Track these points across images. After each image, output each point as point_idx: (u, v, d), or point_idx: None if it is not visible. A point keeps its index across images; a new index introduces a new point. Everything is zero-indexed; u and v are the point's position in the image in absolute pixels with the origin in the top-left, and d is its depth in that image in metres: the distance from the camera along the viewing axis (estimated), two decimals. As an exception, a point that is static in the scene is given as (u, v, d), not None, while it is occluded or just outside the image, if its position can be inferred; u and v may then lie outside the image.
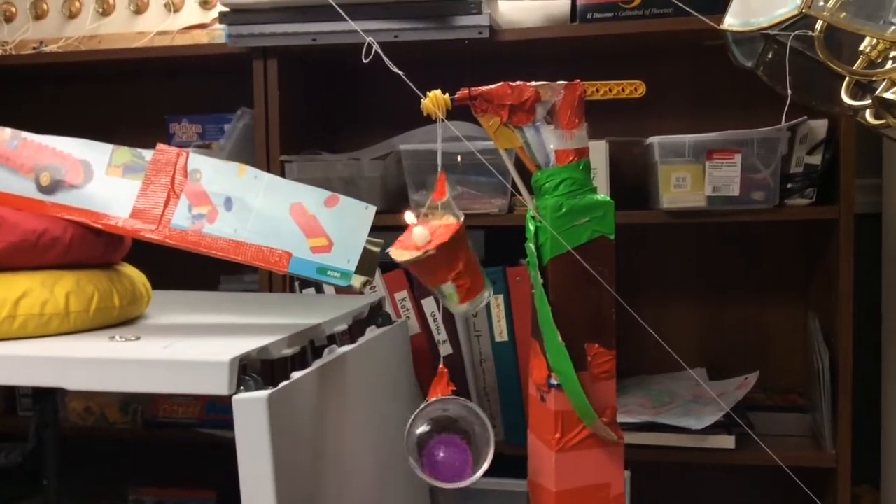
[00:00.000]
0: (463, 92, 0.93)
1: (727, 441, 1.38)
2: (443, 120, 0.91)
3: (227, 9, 1.45)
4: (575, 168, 0.95)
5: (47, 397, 1.11)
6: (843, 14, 0.74)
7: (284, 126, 1.50)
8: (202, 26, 1.64)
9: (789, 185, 1.38)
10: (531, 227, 0.95)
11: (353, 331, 1.23)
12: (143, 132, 1.75)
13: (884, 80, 0.86)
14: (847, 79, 0.91)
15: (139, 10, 1.69)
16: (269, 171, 1.47)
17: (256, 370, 0.86)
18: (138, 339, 0.93)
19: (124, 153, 1.01)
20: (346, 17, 1.02)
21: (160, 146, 1.00)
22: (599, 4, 1.39)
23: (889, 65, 0.87)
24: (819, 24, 0.85)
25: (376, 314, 1.25)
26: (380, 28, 1.37)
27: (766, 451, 0.98)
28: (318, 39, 1.42)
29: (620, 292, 0.95)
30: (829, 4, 0.75)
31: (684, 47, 1.55)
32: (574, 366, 0.92)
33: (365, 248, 0.97)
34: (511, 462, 1.20)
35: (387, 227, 1.39)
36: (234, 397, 0.79)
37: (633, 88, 0.98)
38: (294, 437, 0.86)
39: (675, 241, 1.66)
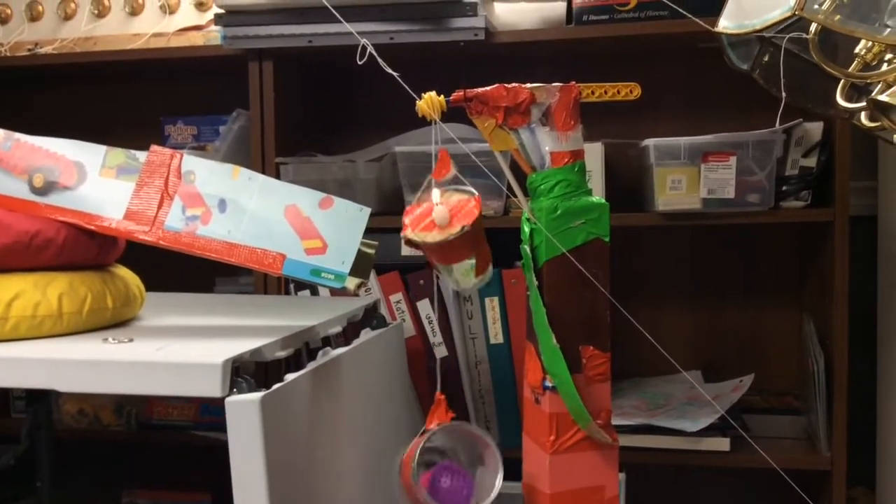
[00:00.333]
0: (458, 94, 0.93)
1: (722, 443, 1.38)
2: (437, 122, 0.91)
3: (222, 10, 1.45)
4: (570, 170, 0.94)
5: (40, 399, 1.10)
6: (837, 16, 0.74)
7: (280, 128, 1.49)
8: (198, 28, 1.64)
9: (784, 188, 1.38)
10: (526, 229, 0.95)
11: (348, 333, 1.23)
12: (138, 134, 1.75)
13: (879, 82, 0.86)
14: (842, 81, 0.91)
15: (134, 12, 1.69)
16: (264, 172, 1.47)
17: (250, 372, 0.86)
18: (131, 340, 0.92)
19: (118, 155, 1.00)
20: (342, 19, 1.02)
21: (154, 147, 1.00)
22: (595, 7, 1.39)
23: (884, 67, 0.87)
24: (813, 27, 0.85)
25: (371, 316, 1.25)
26: (375, 30, 1.37)
27: (761, 453, 0.98)
28: (313, 41, 1.42)
29: (616, 294, 0.95)
30: (824, 7, 0.75)
31: (680, 49, 1.55)
32: (569, 368, 0.92)
33: (359, 250, 0.97)
34: (506, 464, 1.19)
35: (382, 229, 1.40)
36: (227, 399, 0.79)
37: (629, 91, 0.98)
38: (287, 439, 0.85)
39: (670, 243, 1.66)
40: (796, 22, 0.87)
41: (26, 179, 0.99)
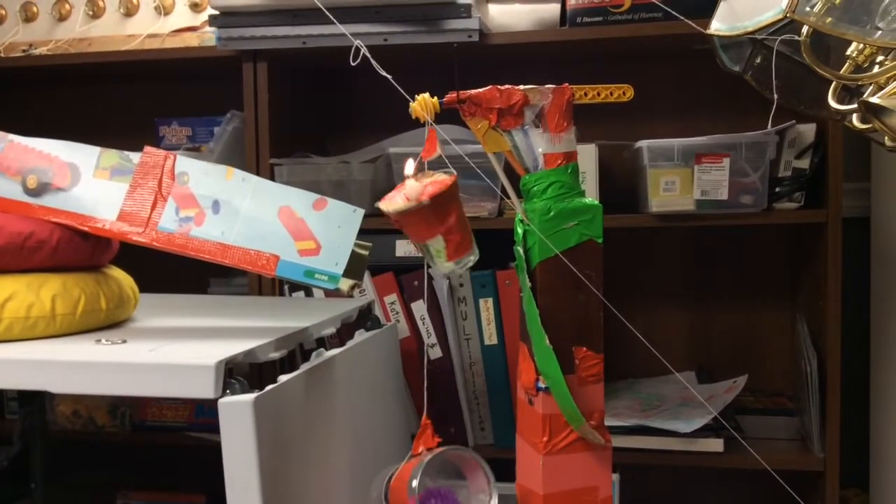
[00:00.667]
0: (451, 95, 0.93)
1: (716, 444, 1.39)
2: (431, 123, 0.91)
3: (217, 12, 1.45)
4: (563, 171, 0.95)
5: (33, 401, 1.10)
6: (829, 19, 0.74)
7: (274, 129, 1.49)
8: (192, 29, 1.64)
9: (778, 189, 1.39)
10: (519, 230, 0.95)
11: (342, 334, 1.23)
12: (132, 135, 1.75)
13: (870, 84, 0.86)
14: (834, 83, 0.91)
15: (129, 13, 1.68)
16: (258, 173, 1.47)
17: (244, 373, 0.86)
18: (125, 342, 0.92)
19: (111, 156, 1.00)
20: (335, 21, 1.02)
21: (147, 149, 1.00)
22: (589, 9, 1.40)
23: (875, 69, 0.87)
24: (805, 29, 0.86)
25: (365, 317, 1.25)
26: (369, 31, 1.37)
27: (754, 455, 0.98)
28: (307, 43, 1.42)
29: (610, 296, 0.95)
30: (815, 9, 0.75)
31: (673, 51, 1.55)
32: (562, 369, 0.92)
33: (353, 252, 0.97)
34: (500, 465, 1.20)
35: (376, 231, 1.40)
36: (220, 401, 0.79)
37: (622, 92, 0.98)
38: (280, 440, 0.85)
39: (663, 244, 1.67)
40: (788, 24, 0.87)
41: (20, 181, 0.99)
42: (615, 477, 1.33)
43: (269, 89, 1.48)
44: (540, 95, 0.94)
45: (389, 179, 1.46)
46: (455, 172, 0.89)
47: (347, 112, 1.75)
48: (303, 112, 1.66)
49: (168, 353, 0.85)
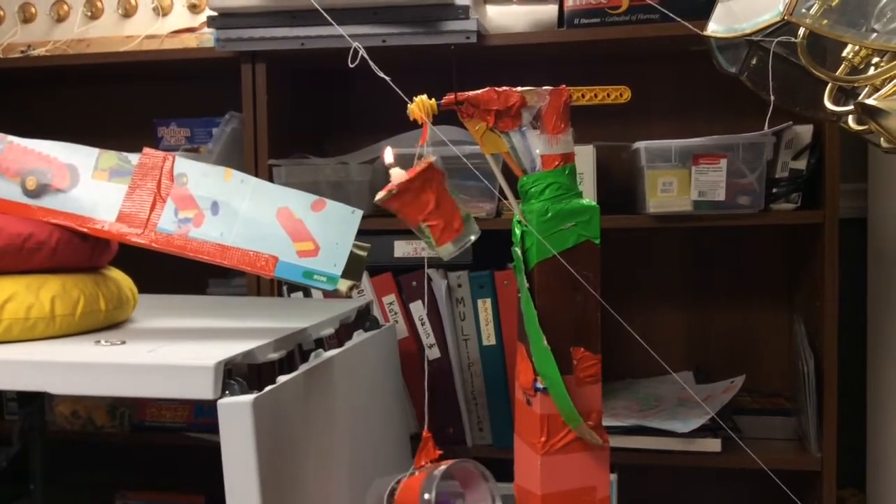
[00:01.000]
0: (449, 97, 0.93)
1: (713, 444, 1.39)
2: (429, 125, 0.91)
3: (215, 13, 1.46)
4: (561, 173, 0.95)
5: (32, 401, 1.10)
6: (825, 21, 0.75)
7: (272, 130, 1.50)
8: (191, 30, 1.64)
9: (775, 190, 1.39)
10: (517, 231, 0.96)
11: (341, 335, 1.24)
12: (131, 136, 1.75)
13: (866, 85, 0.87)
14: (830, 84, 0.91)
15: (127, 14, 1.69)
16: (257, 174, 1.47)
17: (243, 374, 0.86)
18: (124, 343, 0.93)
19: (110, 157, 1.01)
20: (333, 23, 1.03)
21: (146, 150, 1.01)
22: (586, 10, 1.40)
23: (871, 70, 0.88)
24: (802, 31, 0.86)
25: (364, 318, 1.26)
26: (367, 33, 1.38)
27: (752, 455, 0.98)
28: (306, 44, 1.42)
29: (607, 296, 0.96)
30: (812, 11, 0.75)
31: (670, 52, 1.55)
32: (560, 369, 0.92)
33: (352, 253, 0.97)
34: (498, 465, 1.20)
35: (375, 231, 1.40)
36: (219, 401, 0.79)
37: (619, 94, 0.98)
38: (279, 440, 0.86)
39: (661, 245, 1.67)
40: (785, 25, 0.88)
41: (19, 182, 1.00)
42: (613, 477, 1.34)
43: (267, 90, 1.48)
44: (537, 97, 0.94)
45: (387, 180, 1.46)
46: (432, 158, 0.90)
47: (346, 113, 1.75)
48: (301, 113, 1.67)
49: (167, 354, 0.85)
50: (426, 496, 0.92)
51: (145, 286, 1.17)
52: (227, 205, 0.97)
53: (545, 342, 0.92)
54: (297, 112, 1.64)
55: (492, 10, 1.49)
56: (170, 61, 1.58)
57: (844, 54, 0.89)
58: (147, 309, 1.16)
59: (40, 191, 0.99)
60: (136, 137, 1.66)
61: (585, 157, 1.41)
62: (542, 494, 0.94)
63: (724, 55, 1.02)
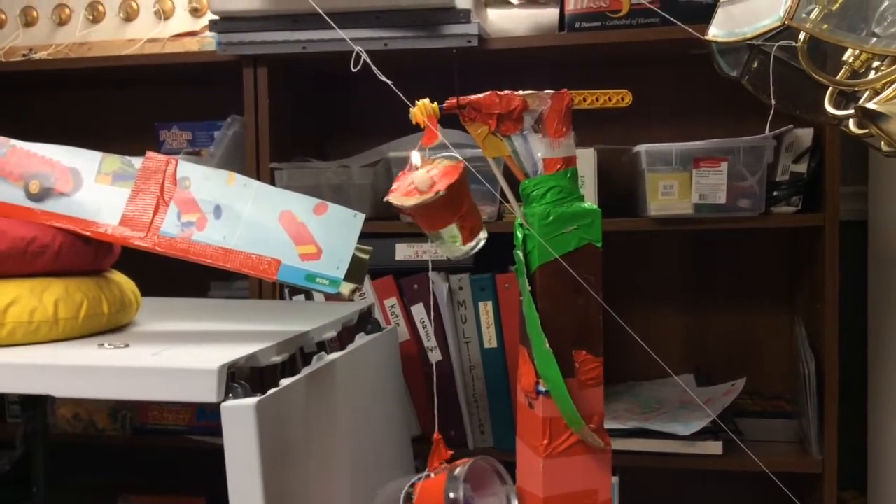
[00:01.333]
0: (451, 101, 0.93)
1: (715, 447, 1.39)
2: (429, 127, 0.91)
3: (217, 17, 1.46)
4: (562, 176, 0.95)
5: (36, 405, 1.11)
6: (825, 26, 0.75)
7: (274, 133, 1.50)
8: (192, 34, 1.64)
9: (775, 193, 1.40)
10: (519, 234, 0.96)
11: (343, 338, 1.24)
12: (133, 139, 1.76)
13: (867, 89, 0.87)
14: (830, 88, 0.92)
15: (129, 18, 1.69)
16: (258, 178, 1.47)
17: (245, 377, 0.87)
18: (127, 346, 0.93)
19: (113, 161, 1.01)
20: (335, 26, 1.03)
21: (149, 154, 1.01)
22: (587, 14, 1.40)
23: (872, 74, 0.88)
24: (802, 35, 0.86)
25: (366, 321, 1.26)
26: (369, 36, 1.38)
27: (753, 457, 0.99)
28: (307, 48, 1.42)
29: (608, 299, 0.96)
30: (812, 16, 0.76)
31: (671, 56, 1.56)
32: (562, 372, 0.92)
33: (354, 256, 0.97)
34: (500, 468, 1.20)
35: (376, 234, 1.41)
36: (223, 404, 0.79)
37: (620, 98, 0.98)
38: (282, 443, 0.86)
39: (662, 248, 1.67)
40: (786, 30, 0.88)
41: (22, 186, 1.00)
42: (615, 480, 1.34)
43: (269, 94, 1.49)
44: (539, 101, 0.94)
45: (389, 183, 1.45)
46: (461, 157, 0.90)
47: (347, 116, 1.76)
48: (302, 116, 1.67)
49: (171, 358, 0.85)
50: (451, 495, 0.92)
51: (147, 289, 1.17)
52: (229, 208, 0.97)
53: (547, 345, 0.92)
54: (298, 115, 1.64)
55: (493, 14, 1.50)
56: (171, 65, 1.58)
57: (845, 58, 0.89)
58: (149, 312, 1.16)
59: (43, 194, 1.00)
60: (137, 141, 1.67)
61: (586, 160, 1.41)
62: (545, 497, 0.95)
63: (726, 59, 1.03)
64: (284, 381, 0.89)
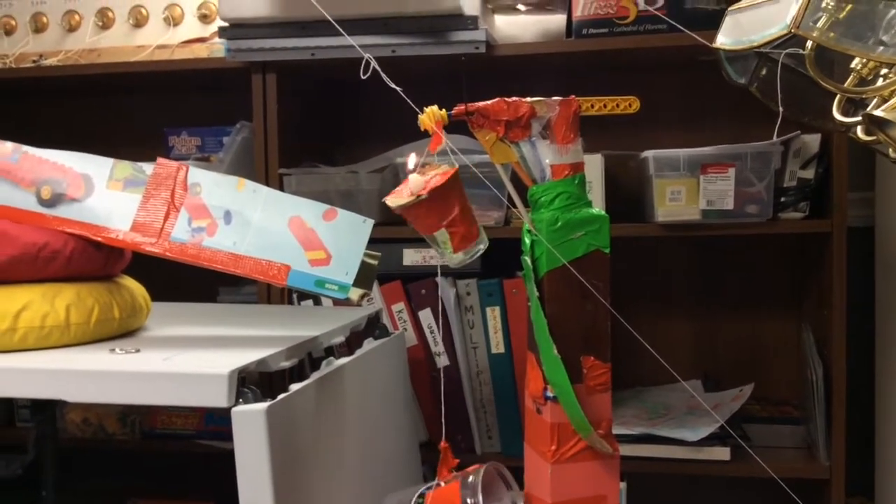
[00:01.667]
0: (459, 108, 0.94)
1: (723, 453, 1.39)
2: (437, 134, 0.92)
3: (226, 23, 1.47)
4: (570, 182, 0.96)
5: (46, 409, 1.11)
6: (832, 34, 0.75)
7: (283, 139, 1.51)
8: (201, 40, 1.65)
9: (783, 199, 1.40)
10: (527, 240, 0.96)
11: (351, 343, 1.24)
12: (142, 145, 1.77)
13: (875, 96, 0.87)
14: (838, 96, 0.92)
15: (139, 24, 1.70)
16: (267, 183, 1.48)
17: (255, 382, 0.87)
18: (138, 351, 0.93)
19: (125, 167, 1.02)
20: (343, 33, 1.04)
21: (160, 160, 1.02)
22: (594, 20, 1.41)
23: (880, 82, 0.88)
24: (809, 43, 0.87)
25: (374, 326, 1.26)
26: (377, 43, 1.39)
27: (761, 463, 0.99)
28: (316, 54, 1.43)
29: (616, 305, 0.96)
30: (819, 24, 0.76)
31: (679, 62, 1.56)
32: (570, 378, 0.93)
33: (363, 261, 0.98)
34: (507, 473, 1.20)
35: (384, 240, 1.41)
36: (233, 409, 0.80)
37: (628, 104, 0.99)
38: (292, 448, 0.86)
39: (670, 254, 1.67)
40: (793, 37, 0.88)
41: (34, 191, 1.01)
42: (622, 485, 1.34)
43: (277, 100, 1.49)
44: (547, 107, 0.95)
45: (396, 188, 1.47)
46: (457, 164, 0.90)
47: (355, 122, 1.76)
48: (311, 122, 1.68)
49: (182, 363, 0.86)
50: (469, 501, 0.92)
51: (156, 294, 1.18)
52: (239, 214, 0.98)
53: (555, 351, 0.93)
54: (307, 121, 1.65)
55: (500, 21, 1.50)
56: (181, 71, 1.59)
57: (853, 65, 0.89)
58: (160, 317, 1.17)
59: (55, 200, 1.00)
60: (147, 147, 1.68)
61: (594, 166, 1.41)
62: (553, 503, 0.95)
63: (733, 66, 1.03)
64: (294, 387, 0.89)
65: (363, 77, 0.94)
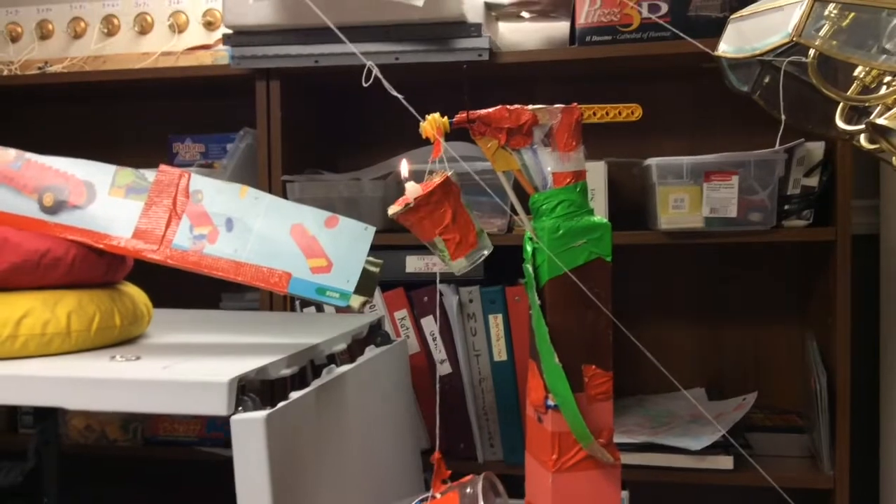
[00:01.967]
0: (461, 115, 0.94)
1: (726, 462, 1.39)
2: (438, 141, 0.92)
3: (230, 30, 1.47)
4: (572, 190, 0.95)
5: (48, 416, 1.11)
6: (834, 42, 0.75)
7: (286, 146, 1.51)
8: (206, 47, 1.66)
9: (786, 207, 1.39)
10: (529, 248, 0.96)
11: (353, 350, 1.24)
12: (146, 151, 1.77)
13: (877, 105, 0.87)
14: (841, 104, 0.92)
15: (144, 31, 1.71)
16: (270, 190, 1.48)
17: (255, 389, 0.87)
18: (139, 358, 0.93)
19: (127, 174, 1.02)
20: (347, 41, 1.04)
21: (162, 167, 1.02)
22: (598, 28, 1.41)
23: (883, 90, 0.88)
24: (812, 51, 0.86)
25: (376, 333, 1.26)
26: (380, 50, 1.39)
27: (763, 474, 0.98)
28: (320, 61, 1.43)
29: (619, 313, 0.96)
30: (821, 32, 0.76)
31: (682, 69, 1.56)
32: (571, 387, 0.92)
33: (364, 269, 0.98)
34: (509, 482, 1.20)
35: (387, 247, 1.41)
36: (233, 418, 0.80)
37: (630, 112, 0.99)
38: (292, 456, 0.86)
39: (673, 261, 1.67)
40: (796, 45, 0.88)
41: (36, 198, 1.01)
42: (624, 494, 1.33)
43: (281, 107, 1.50)
44: (549, 115, 0.95)
45: (400, 195, 1.47)
46: (448, 171, 0.90)
47: (359, 129, 1.76)
48: (314, 129, 1.68)
49: (182, 370, 0.86)
50: None
51: (159, 300, 1.18)
52: (241, 221, 0.98)
53: (557, 359, 0.92)
54: (310, 128, 1.65)
55: (504, 28, 1.50)
56: (185, 78, 1.59)
57: (856, 73, 0.89)
58: (161, 324, 1.17)
59: (57, 207, 1.00)
60: (151, 153, 1.68)
61: (597, 173, 1.41)
62: (554, 512, 0.94)
63: (736, 74, 1.03)
64: (294, 395, 0.89)
65: (365, 85, 0.94)
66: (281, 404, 0.84)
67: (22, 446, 1.27)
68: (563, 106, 0.95)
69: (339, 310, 1.41)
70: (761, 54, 0.85)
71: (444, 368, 1.45)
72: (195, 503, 1.72)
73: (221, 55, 1.59)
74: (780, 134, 0.96)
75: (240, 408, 0.81)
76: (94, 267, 1.01)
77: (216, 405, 0.80)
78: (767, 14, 0.86)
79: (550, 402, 0.94)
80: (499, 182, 1.01)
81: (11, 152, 1.03)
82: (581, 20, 1.41)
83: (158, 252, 0.98)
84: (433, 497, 0.95)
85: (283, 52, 1.45)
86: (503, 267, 1.40)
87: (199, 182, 1.00)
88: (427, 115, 0.93)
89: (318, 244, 0.98)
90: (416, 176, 1.45)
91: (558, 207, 0.95)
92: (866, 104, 0.89)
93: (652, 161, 1.38)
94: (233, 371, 0.83)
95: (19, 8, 1.77)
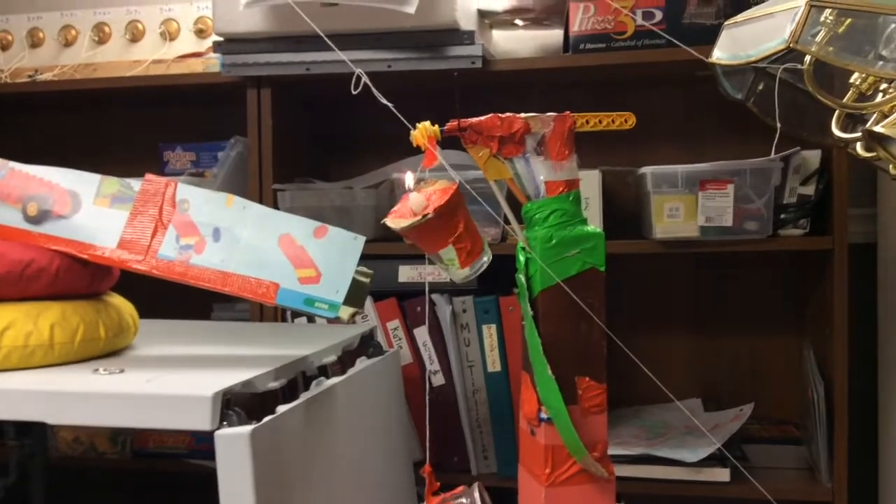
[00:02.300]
0: (452, 124, 0.92)
1: (722, 474, 1.37)
2: (429, 150, 0.90)
3: (221, 38, 1.46)
4: (565, 199, 0.94)
5: (31, 430, 1.09)
6: (831, 48, 0.74)
7: (277, 154, 1.49)
8: (197, 55, 1.65)
9: (783, 216, 1.38)
10: (521, 258, 0.95)
11: (345, 361, 1.22)
12: (137, 160, 1.76)
13: (874, 112, 0.85)
14: (837, 111, 0.90)
15: (135, 39, 1.70)
16: (261, 199, 1.47)
17: (244, 401, 0.85)
18: (122, 371, 0.91)
19: (112, 183, 1.00)
20: (335, 49, 1.02)
21: (148, 176, 1.00)
22: (592, 35, 1.40)
23: (879, 97, 0.87)
24: (808, 57, 0.85)
25: (368, 344, 1.24)
26: (372, 58, 1.38)
27: (759, 487, 0.96)
28: (311, 69, 1.42)
29: (613, 323, 0.94)
30: (818, 39, 0.75)
31: (677, 77, 1.55)
32: (564, 399, 0.91)
33: (354, 279, 0.96)
34: (503, 494, 1.18)
35: (380, 256, 1.39)
36: (216, 433, 0.78)
37: (623, 120, 0.97)
38: (279, 472, 0.84)
39: (668, 271, 1.66)
40: (790, 52, 0.87)
41: (20, 208, 0.99)
42: (620, 507, 1.32)
43: (272, 115, 1.48)
44: (541, 123, 0.93)
45: (393, 204, 1.44)
46: (457, 179, 0.88)
47: (350, 137, 1.75)
48: (306, 138, 1.67)
49: (165, 384, 0.84)
50: None
51: (150, 311, 1.16)
52: (228, 231, 0.96)
53: (550, 371, 0.91)
54: (301, 136, 1.64)
55: (497, 35, 1.49)
56: (176, 86, 1.58)
57: (852, 80, 0.88)
58: (149, 335, 1.15)
59: (41, 217, 0.99)
60: (141, 161, 1.67)
61: (591, 182, 1.40)
62: (547, 527, 0.93)
63: (730, 81, 1.01)
64: (281, 408, 0.87)
65: (354, 92, 0.92)
66: (267, 419, 0.83)
67: (6, 458, 1.25)
68: (555, 114, 0.94)
69: (330, 320, 1.39)
70: (756, 61, 0.83)
71: (437, 379, 1.44)
72: (185, 516, 1.71)
73: (213, 63, 1.58)
74: (775, 142, 0.95)
75: (224, 422, 0.79)
76: (78, 277, 1.00)
77: (200, 420, 0.78)
78: (762, 20, 0.85)
79: (543, 415, 0.92)
80: (491, 191, 0.99)
81: (-5, 161, 1.02)
82: (575, 28, 1.40)
83: (144, 262, 0.96)
84: None
85: (274, 59, 1.43)
86: (497, 277, 1.38)
87: (186, 191, 0.99)
88: (417, 124, 0.92)
89: (307, 254, 0.96)
90: (401, 186, 1.44)
91: (551, 217, 0.93)
92: (863, 112, 0.87)
93: (646, 170, 1.37)
94: (218, 384, 0.81)
95: (10, 16, 1.76)
